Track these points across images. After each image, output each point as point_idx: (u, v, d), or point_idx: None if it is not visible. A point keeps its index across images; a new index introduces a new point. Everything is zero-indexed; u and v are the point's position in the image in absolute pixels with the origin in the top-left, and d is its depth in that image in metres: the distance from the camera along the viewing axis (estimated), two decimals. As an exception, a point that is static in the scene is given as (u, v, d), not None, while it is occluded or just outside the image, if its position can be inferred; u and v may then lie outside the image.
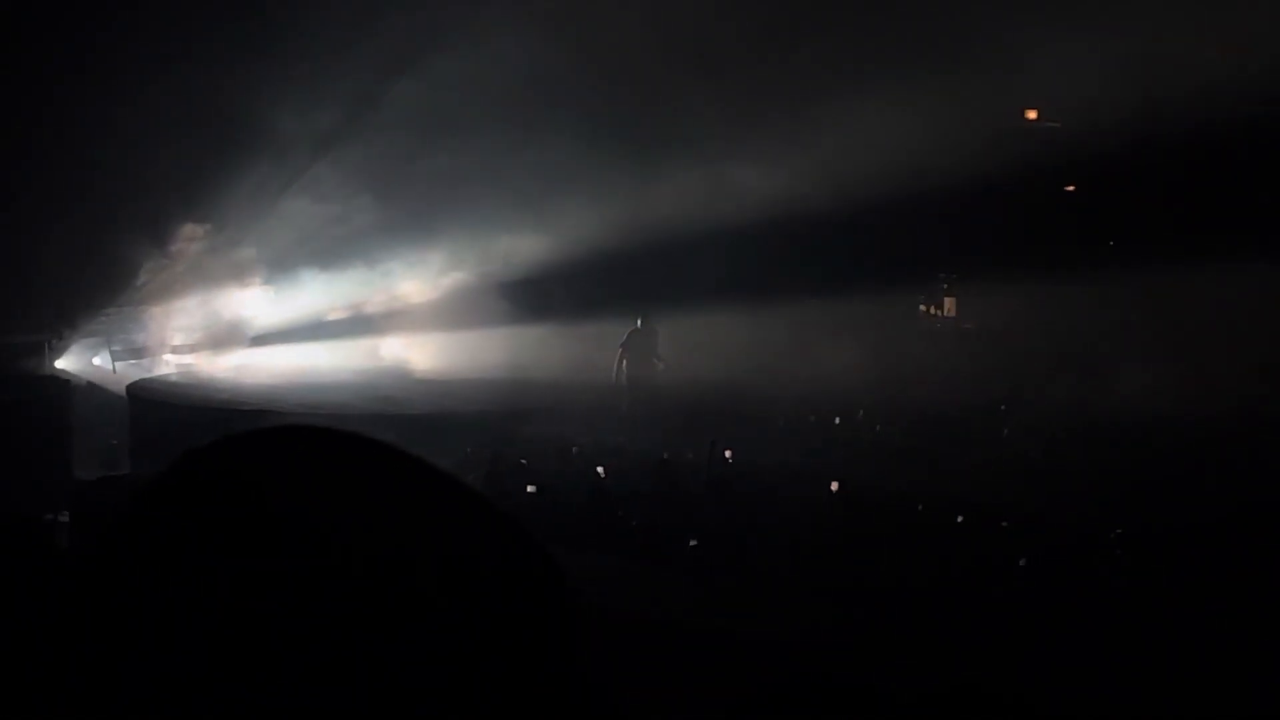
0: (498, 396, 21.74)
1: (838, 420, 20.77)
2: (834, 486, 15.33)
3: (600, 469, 16.50)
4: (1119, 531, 12.86)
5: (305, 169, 24.92)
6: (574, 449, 17.58)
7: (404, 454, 1.22)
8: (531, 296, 25.04)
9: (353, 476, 1.15)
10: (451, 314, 25.52)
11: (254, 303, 25.82)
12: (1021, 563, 11.98)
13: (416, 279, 26.38)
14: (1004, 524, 13.69)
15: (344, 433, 1.20)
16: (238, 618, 1.06)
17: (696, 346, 23.46)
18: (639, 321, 23.00)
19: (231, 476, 1.13)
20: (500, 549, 1.17)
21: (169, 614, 1.07)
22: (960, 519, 14.13)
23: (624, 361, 22.95)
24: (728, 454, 16.51)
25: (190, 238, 25.08)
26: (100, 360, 24.55)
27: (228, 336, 25.19)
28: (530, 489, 15.34)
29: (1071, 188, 30.02)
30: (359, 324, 25.95)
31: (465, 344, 24.90)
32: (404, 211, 25.54)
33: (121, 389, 21.71)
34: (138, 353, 24.97)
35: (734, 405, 20.18)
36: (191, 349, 25.14)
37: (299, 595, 1.07)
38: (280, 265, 25.78)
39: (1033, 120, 29.87)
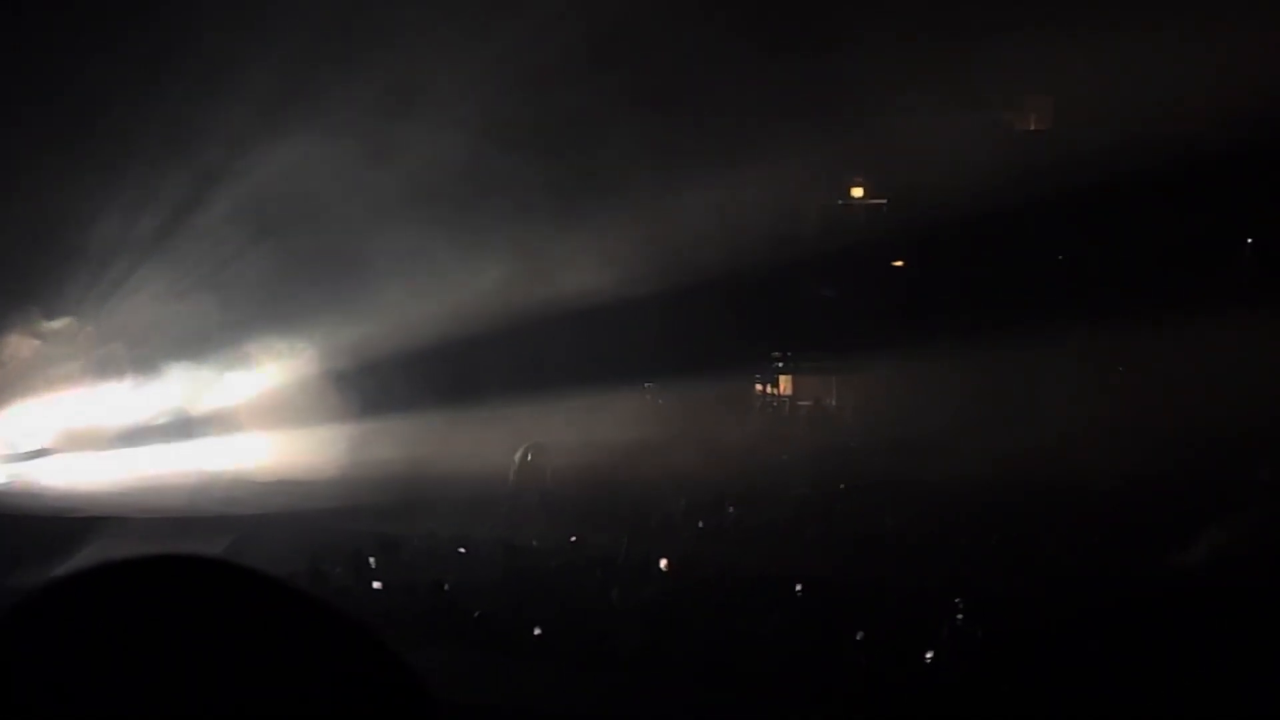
0: (343, 493, 21.41)
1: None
2: (663, 564, 15.43)
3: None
4: (958, 601, 12.97)
5: (136, 267, 24.43)
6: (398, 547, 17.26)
7: (254, 575, 1.19)
8: (372, 387, 24.65)
9: (209, 607, 1.15)
10: (294, 409, 25.13)
11: (93, 404, 25.13)
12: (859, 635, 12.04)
13: (256, 374, 25.94)
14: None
15: (205, 560, 1.19)
16: None
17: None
18: (528, 455, 21.60)
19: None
20: (358, 665, 1.15)
21: None
22: (799, 588, 14.39)
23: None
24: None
25: (19, 338, 24.41)
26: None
27: (63, 439, 24.49)
28: (376, 585, 15.17)
29: (900, 263, 30.57)
30: (198, 423, 25.38)
31: (311, 439, 24.56)
32: (243, 305, 25.15)
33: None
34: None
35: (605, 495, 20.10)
36: (23, 454, 24.33)
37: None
38: (116, 366, 25.18)
39: (858, 198, 30.44)
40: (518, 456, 20.85)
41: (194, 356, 25.73)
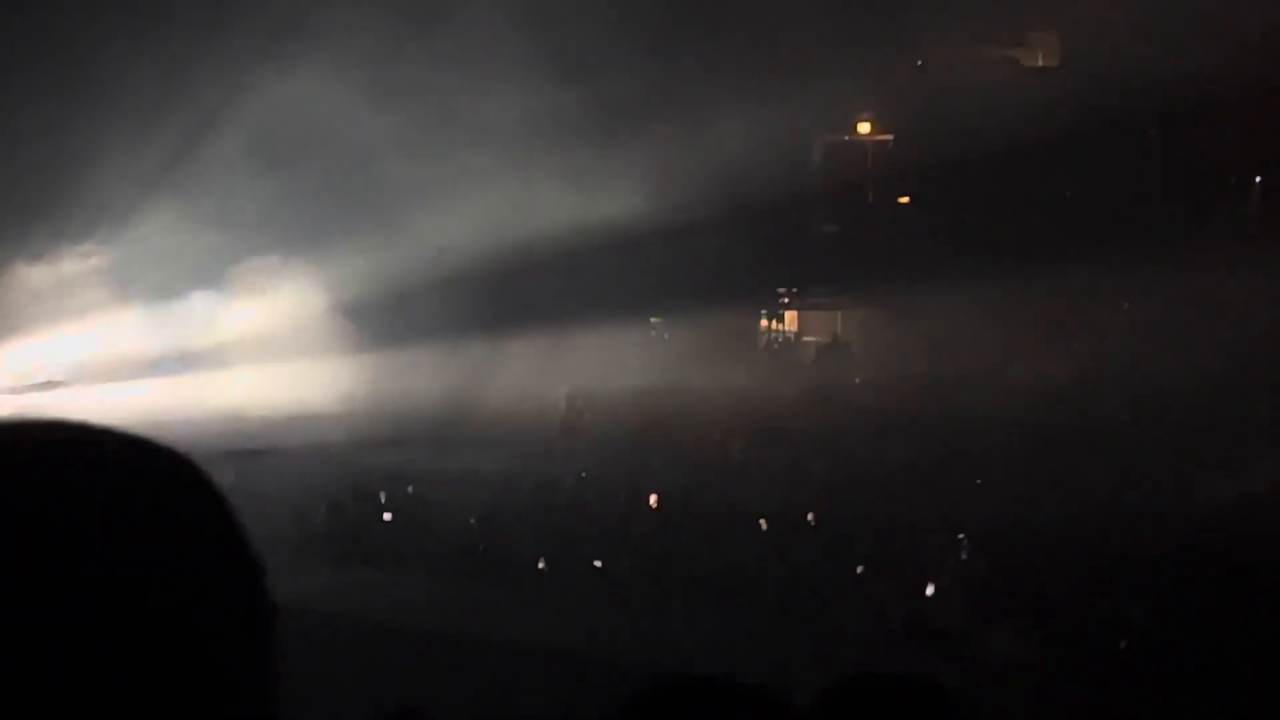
0: (359, 427, 21.39)
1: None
2: (652, 500, 15.49)
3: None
4: (961, 536, 13.00)
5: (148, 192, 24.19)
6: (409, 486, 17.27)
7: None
8: (394, 319, 24.41)
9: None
10: (311, 340, 25.07)
11: (104, 335, 24.96)
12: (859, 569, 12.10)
13: (269, 303, 25.70)
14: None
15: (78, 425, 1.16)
16: None
17: (554, 372, 23.26)
18: (569, 399, 21.37)
19: None
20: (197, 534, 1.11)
21: None
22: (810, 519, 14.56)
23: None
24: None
25: (26, 265, 24.27)
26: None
27: (72, 371, 24.37)
28: (386, 517, 15.24)
29: (905, 199, 30.45)
30: (208, 354, 25.17)
31: (328, 371, 24.54)
32: (259, 233, 24.96)
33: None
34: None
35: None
36: (31, 385, 24.23)
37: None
38: (126, 295, 24.98)
39: (865, 134, 30.29)
40: (559, 399, 20.59)
41: (208, 285, 25.56)
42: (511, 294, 24.18)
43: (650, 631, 10.78)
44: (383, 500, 16.06)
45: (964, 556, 12.36)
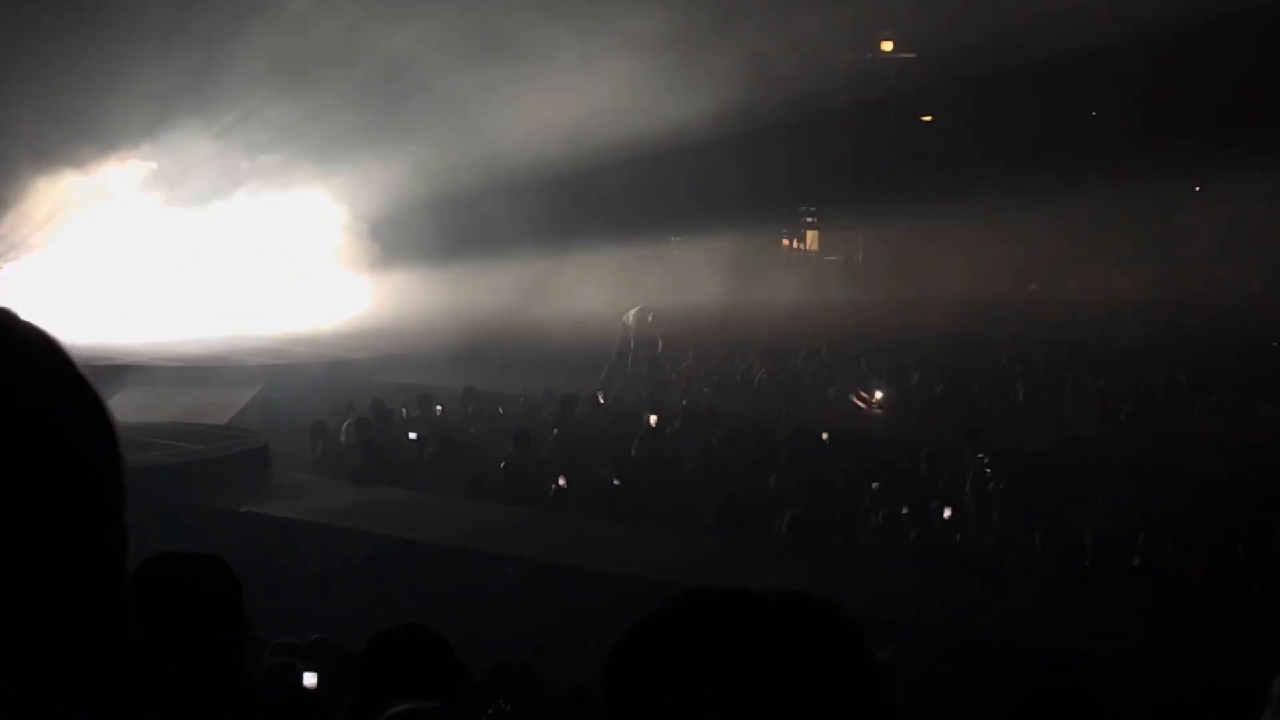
0: (386, 344, 21.40)
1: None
2: (652, 420, 15.51)
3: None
4: (981, 456, 13.02)
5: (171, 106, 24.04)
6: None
7: None
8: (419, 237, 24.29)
9: None
10: (339, 255, 25.10)
11: (125, 249, 24.80)
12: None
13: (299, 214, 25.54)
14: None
15: None
16: None
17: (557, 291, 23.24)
18: (643, 316, 20.69)
19: None
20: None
21: None
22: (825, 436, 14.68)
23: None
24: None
25: (48, 177, 24.14)
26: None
27: (94, 285, 24.21)
28: (412, 436, 15.23)
29: (928, 118, 30.31)
30: (231, 268, 25.02)
31: (361, 288, 24.66)
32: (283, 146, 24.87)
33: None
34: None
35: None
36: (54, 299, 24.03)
37: None
38: (147, 210, 24.86)
39: (888, 52, 30.10)
40: (631, 318, 20.27)
41: (228, 198, 25.38)
42: (530, 213, 24.13)
43: (664, 550, 10.84)
44: (405, 416, 16.08)
45: (986, 475, 12.39)
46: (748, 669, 1.15)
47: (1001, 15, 23.74)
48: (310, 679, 4.39)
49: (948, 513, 11.46)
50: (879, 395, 17.89)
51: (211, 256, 25.03)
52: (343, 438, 14.95)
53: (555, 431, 15.35)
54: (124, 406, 15.23)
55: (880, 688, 1.16)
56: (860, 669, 1.17)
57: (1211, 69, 25.29)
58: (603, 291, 22.64)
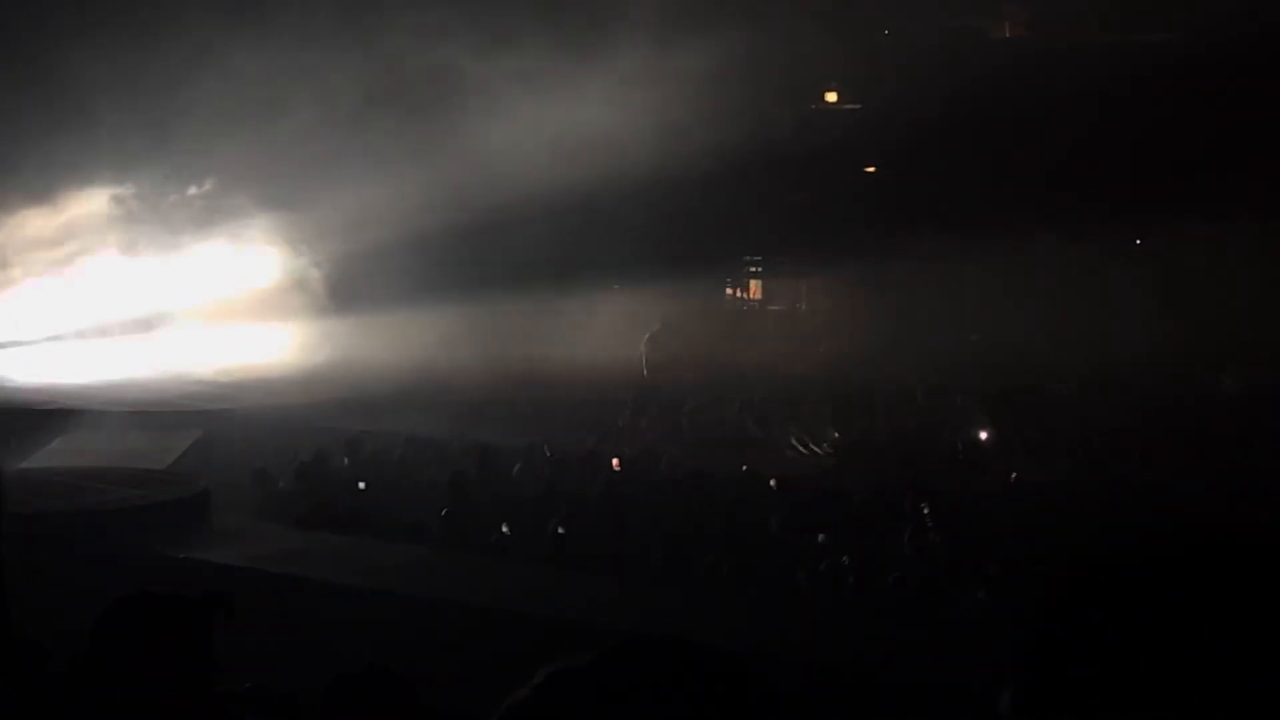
0: (327, 389, 21.26)
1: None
2: (615, 463, 15.56)
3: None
4: (923, 506, 13.06)
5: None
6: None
7: None
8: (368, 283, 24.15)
9: None
10: (286, 301, 24.93)
11: (64, 293, 24.57)
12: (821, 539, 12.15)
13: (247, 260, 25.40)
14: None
15: None
16: None
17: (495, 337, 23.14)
18: (659, 340, 20.45)
19: None
20: None
21: None
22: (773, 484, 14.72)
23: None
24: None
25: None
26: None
27: (31, 330, 24.00)
28: (361, 485, 15.22)
29: (871, 169, 30.49)
30: (174, 314, 24.81)
31: (301, 333, 24.48)
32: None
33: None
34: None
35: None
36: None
37: None
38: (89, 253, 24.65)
39: (832, 103, 30.28)
40: (647, 345, 19.85)
41: (174, 244, 25.19)
42: (466, 263, 24.06)
43: (610, 594, 10.81)
44: (345, 464, 16.04)
45: (928, 524, 12.43)
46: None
47: (946, 69, 23.99)
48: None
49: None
50: (824, 444, 17.97)
51: (155, 298, 24.87)
52: (280, 484, 14.91)
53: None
54: (64, 450, 15.11)
55: None
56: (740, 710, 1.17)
57: (1155, 122, 25.59)
58: (530, 342, 22.80)
